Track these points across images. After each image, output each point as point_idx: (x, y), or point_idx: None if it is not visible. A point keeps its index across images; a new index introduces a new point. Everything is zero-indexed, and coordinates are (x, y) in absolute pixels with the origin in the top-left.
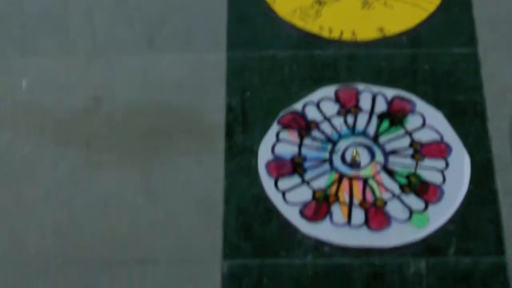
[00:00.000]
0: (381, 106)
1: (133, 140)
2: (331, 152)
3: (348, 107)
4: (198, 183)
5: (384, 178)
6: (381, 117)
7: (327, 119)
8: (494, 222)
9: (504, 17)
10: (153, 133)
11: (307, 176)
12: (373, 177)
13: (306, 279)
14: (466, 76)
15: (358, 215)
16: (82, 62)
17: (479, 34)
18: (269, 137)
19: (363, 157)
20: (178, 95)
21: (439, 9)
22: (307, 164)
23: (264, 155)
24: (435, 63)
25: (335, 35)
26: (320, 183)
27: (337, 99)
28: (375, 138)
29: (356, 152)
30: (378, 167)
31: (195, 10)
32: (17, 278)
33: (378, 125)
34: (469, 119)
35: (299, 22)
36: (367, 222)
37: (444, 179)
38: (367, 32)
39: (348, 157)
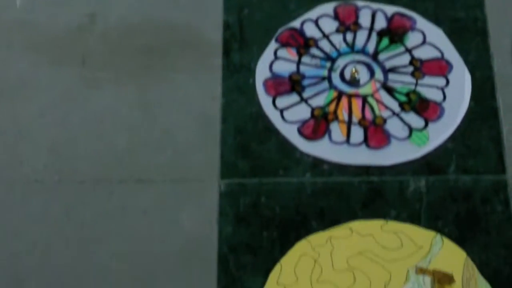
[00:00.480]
0: (381, 23)
1: (129, 57)
2: (330, 70)
3: (347, 24)
4: (195, 101)
5: (384, 96)
6: (381, 34)
7: (326, 36)
8: (495, 140)
9: None
10: (149, 50)
11: (306, 94)
12: (373, 95)
13: (305, 197)
14: None
15: (357, 133)
16: None
17: None
18: (267, 55)
19: (362, 74)
20: (174, 12)
21: None
22: (305, 82)
23: (262, 73)
24: None
25: None
26: (319, 101)
27: (336, 16)
28: (375, 56)
29: (355, 70)
30: (378, 85)
31: None
32: (12, 196)
33: (378, 42)
34: (470, 36)
35: None
36: (366, 140)
37: (444, 97)
38: None
39: (347, 75)
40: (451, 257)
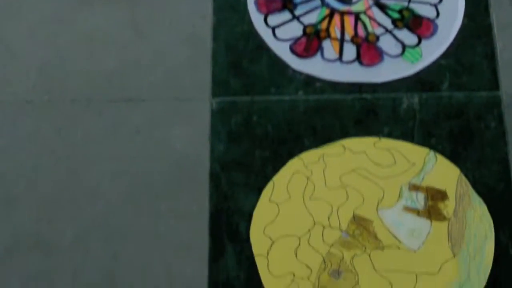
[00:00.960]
0: None
1: None
2: None
3: None
4: (186, 20)
5: (376, 13)
6: None
7: None
8: (488, 57)
9: None
10: None
11: (298, 11)
12: (365, 12)
13: (297, 115)
14: None
15: (350, 51)
16: None
17: None
18: None
19: None
20: None
21: None
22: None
23: None
24: None
25: None
26: (311, 18)
27: None
28: None
29: None
30: (370, 2)
31: None
32: (2, 116)
33: None
34: None
35: None
36: (359, 57)
37: (437, 13)
38: None
39: None
40: (444, 173)
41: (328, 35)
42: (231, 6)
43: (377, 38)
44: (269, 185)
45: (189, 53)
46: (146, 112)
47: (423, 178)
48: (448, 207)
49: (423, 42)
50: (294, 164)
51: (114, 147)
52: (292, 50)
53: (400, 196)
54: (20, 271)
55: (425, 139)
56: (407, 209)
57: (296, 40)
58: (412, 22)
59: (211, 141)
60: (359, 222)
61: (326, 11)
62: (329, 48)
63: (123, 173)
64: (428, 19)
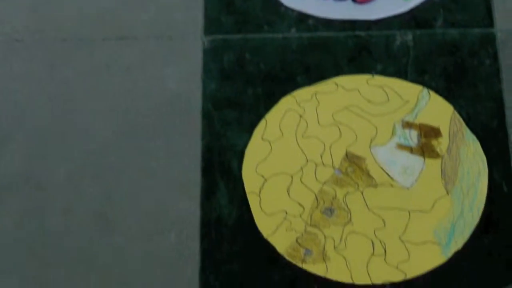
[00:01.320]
0: None
1: None
2: None
3: None
4: None
5: None
6: None
7: None
8: None
9: None
10: None
11: None
12: None
13: (290, 53)
14: None
15: None
16: None
17: None
18: None
19: None
20: None
21: None
22: None
23: None
24: None
25: None
26: None
27: None
28: None
29: None
30: None
31: None
32: None
33: None
34: None
35: None
36: None
37: None
38: None
39: None
40: (438, 111)
41: None
42: None
43: None
44: (262, 123)
45: None
46: (138, 50)
47: (416, 115)
48: (441, 144)
49: None
50: (286, 102)
51: (106, 85)
52: None
53: (393, 133)
54: (12, 210)
55: (419, 76)
56: (400, 146)
57: None
58: None
59: (203, 80)
60: (352, 160)
61: None
62: None
63: (115, 112)
64: None
